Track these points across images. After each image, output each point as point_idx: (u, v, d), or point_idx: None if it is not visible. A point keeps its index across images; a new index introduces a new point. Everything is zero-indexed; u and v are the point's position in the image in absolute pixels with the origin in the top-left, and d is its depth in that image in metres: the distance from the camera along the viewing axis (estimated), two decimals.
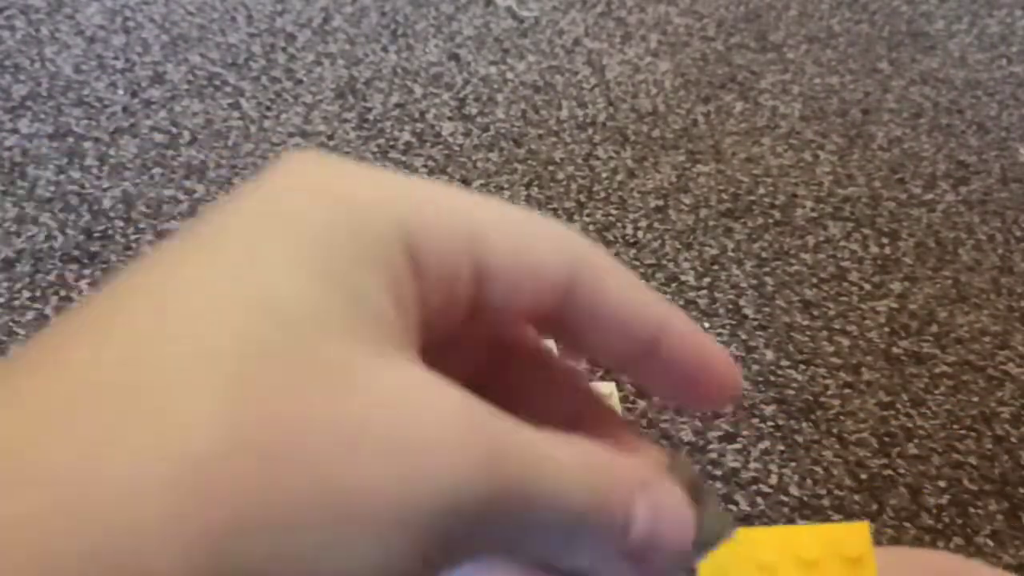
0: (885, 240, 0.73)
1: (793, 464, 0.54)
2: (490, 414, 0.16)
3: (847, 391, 0.59)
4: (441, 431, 0.15)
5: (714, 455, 0.54)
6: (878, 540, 0.50)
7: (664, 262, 0.68)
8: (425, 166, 0.76)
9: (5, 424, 0.14)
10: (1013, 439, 0.57)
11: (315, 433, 0.14)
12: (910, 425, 0.57)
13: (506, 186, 0.74)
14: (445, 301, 0.17)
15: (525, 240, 0.18)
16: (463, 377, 0.17)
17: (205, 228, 0.17)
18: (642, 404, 0.56)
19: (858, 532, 0.25)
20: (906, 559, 0.29)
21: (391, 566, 0.15)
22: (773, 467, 0.54)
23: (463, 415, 0.16)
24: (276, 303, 0.15)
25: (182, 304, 0.15)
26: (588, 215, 0.72)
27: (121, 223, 0.67)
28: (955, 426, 0.58)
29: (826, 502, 0.52)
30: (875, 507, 0.52)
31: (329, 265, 0.16)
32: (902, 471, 0.54)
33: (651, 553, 0.19)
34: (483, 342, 0.20)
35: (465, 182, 0.74)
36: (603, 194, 0.74)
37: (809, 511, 0.51)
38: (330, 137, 0.78)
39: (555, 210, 0.72)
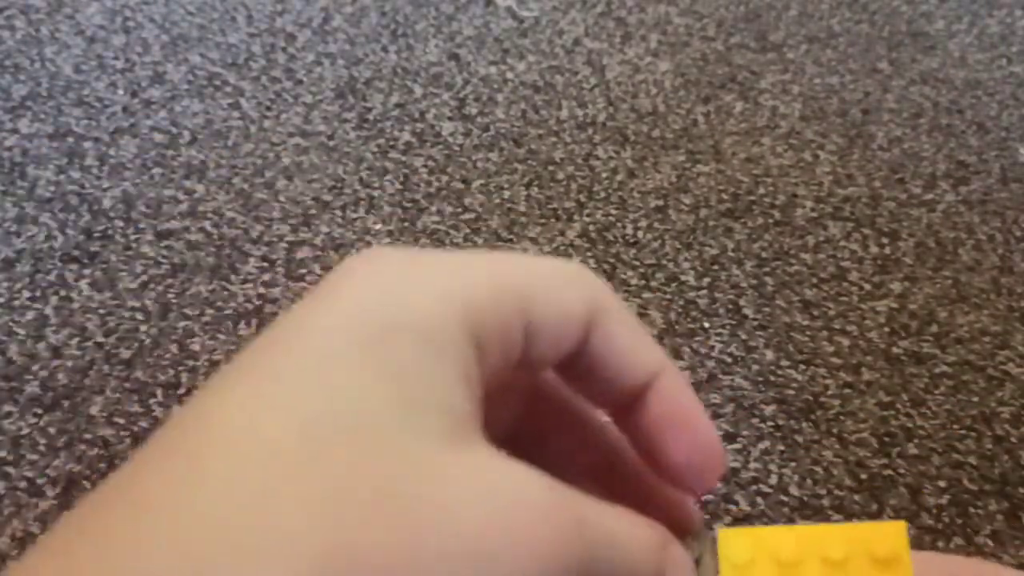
0: (885, 240, 0.73)
1: (793, 464, 0.54)
2: (569, 495, 0.17)
3: (847, 391, 0.59)
4: (531, 527, 0.16)
5: None
6: None
7: (664, 262, 0.68)
8: (425, 166, 0.76)
9: None
10: (1013, 439, 0.57)
11: (405, 564, 0.15)
12: (910, 425, 0.57)
13: (506, 186, 0.74)
14: (503, 367, 0.18)
15: (562, 292, 0.19)
16: (507, 427, 0.19)
17: (275, 346, 0.17)
18: None
19: (893, 532, 0.23)
20: (937, 565, 0.28)
21: None
22: (773, 467, 0.54)
23: (548, 502, 0.16)
24: (347, 419, 0.16)
25: (247, 438, 0.16)
26: (588, 215, 0.72)
27: (121, 223, 0.67)
28: (955, 426, 0.58)
29: (826, 502, 0.52)
30: (875, 507, 0.52)
31: (402, 368, 0.16)
32: (902, 471, 0.54)
33: None
34: (523, 391, 0.21)
35: (465, 182, 0.74)
36: (603, 194, 0.74)
37: (809, 511, 0.51)
38: (330, 137, 0.78)
39: (555, 210, 0.72)
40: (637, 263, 0.67)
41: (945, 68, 0.97)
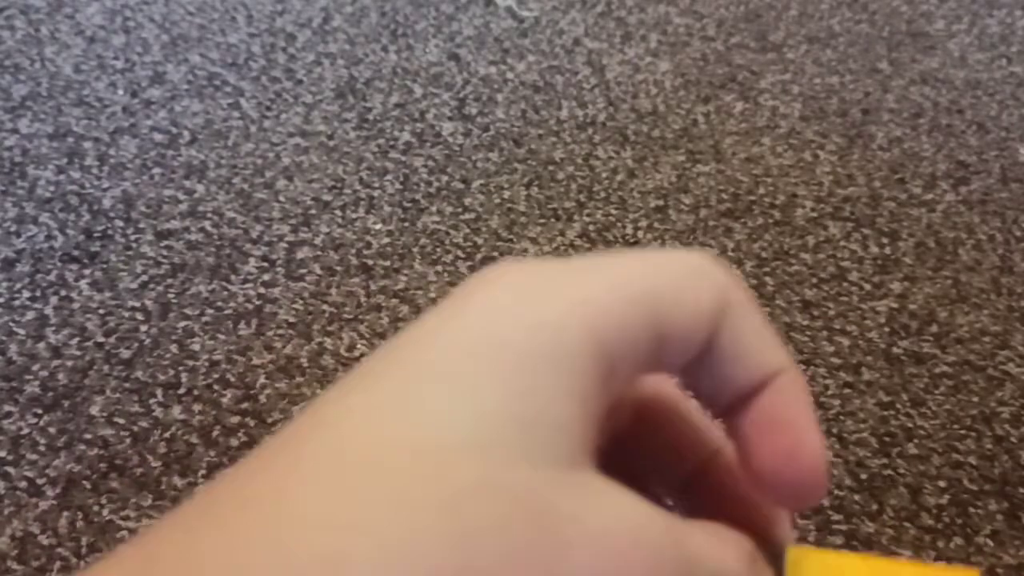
0: (885, 240, 0.73)
1: None
2: (679, 530, 0.17)
3: (847, 391, 0.59)
4: (647, 571, 0.16)
5: None
6: (877, 540, 0.51)
7: None
8: (425, 166, 0.76)
9: None
10: (1013, 439, 0.57)
11: None
12: (910, 425, 0.57)
13: (506, 186, 0.74)
14: (631, 378, 0.18)
15: (692, 294, 0.18)
16: (615, 434, 0.19)
17: (399, 357, 0.17)
18: None
19: None
20: None
21: None
22: None
23: (663, 544, 0.16)
24: (462, 436, 0.16)
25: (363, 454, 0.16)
26: (588, 215, 0.72)
27: (121, 223, 0.67)
28: (955, 426, 0.58)
29: (826, 502, 0.52)
30: (875, 507, 0.52)
31: (523, 388, 0.16)
32: (902, 471, 0.54)
33: None
34: (635, 398, 0.21)
35: (465, 182, 0.74)
36: (603, 194, 0.74)
37: (809, 511, 0.51)
38: (330, 137, 0.78)
39: (555, 210, 0.72)
40: None
41: (945, 68, 0.97)
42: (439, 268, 0.65)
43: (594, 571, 0.15)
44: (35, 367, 0.55)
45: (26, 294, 0.60)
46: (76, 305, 0.60)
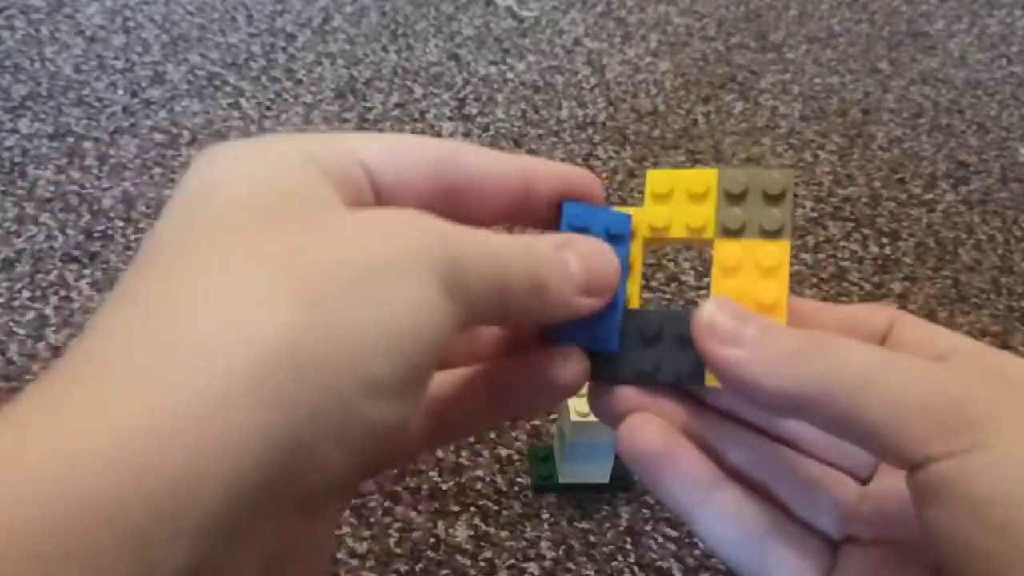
0: (885, 240, 0.73)
1: None
2: (437, 220, 0.22)
3: None
4: (400, 228, 0.21)
5: None
6: None
7: (664, 262, 0.68)
8: None
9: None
10: None
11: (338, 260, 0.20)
12: None
13: None
14: (355, 194, 0.23)
15: (399, 144, 0.25)
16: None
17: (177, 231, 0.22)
18: None
19: (781, 174, 0.29)
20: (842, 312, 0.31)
21: (431, 307, 0.20)
22: None
23: (414, 215, 0.22)
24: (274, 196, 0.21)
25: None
26: None
27: (121, 223, 0.67)
28: None
29: None
30: None
31: (283, 183, 0.22)
32: None
33: (596, 288, 0.26)
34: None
35: None
36: (603, 194, 0.74)
37: None
38: None
39: None
40: None
41: (945, 68, 0.97)
42: None
43: (362, 233, 0.20)
44: (35, 367, 0.55)
45: (26, 294, 0.60)
46: (76, 305, 0.60)
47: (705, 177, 0.28)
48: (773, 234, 0.28)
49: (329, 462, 0.19)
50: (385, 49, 0.92)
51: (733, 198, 0.28)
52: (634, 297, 0.29)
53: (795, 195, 0.76)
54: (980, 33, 1.04)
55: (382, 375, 0.19)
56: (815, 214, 0.74)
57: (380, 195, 0.24)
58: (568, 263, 0.25)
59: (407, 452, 0.28)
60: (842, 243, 0.72)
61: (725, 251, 0.28)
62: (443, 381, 0.28)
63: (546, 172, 0.26)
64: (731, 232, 0.28)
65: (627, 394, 0.28)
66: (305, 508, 0.19)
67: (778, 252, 0.28)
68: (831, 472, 0.28)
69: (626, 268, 0.28)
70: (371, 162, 0.23)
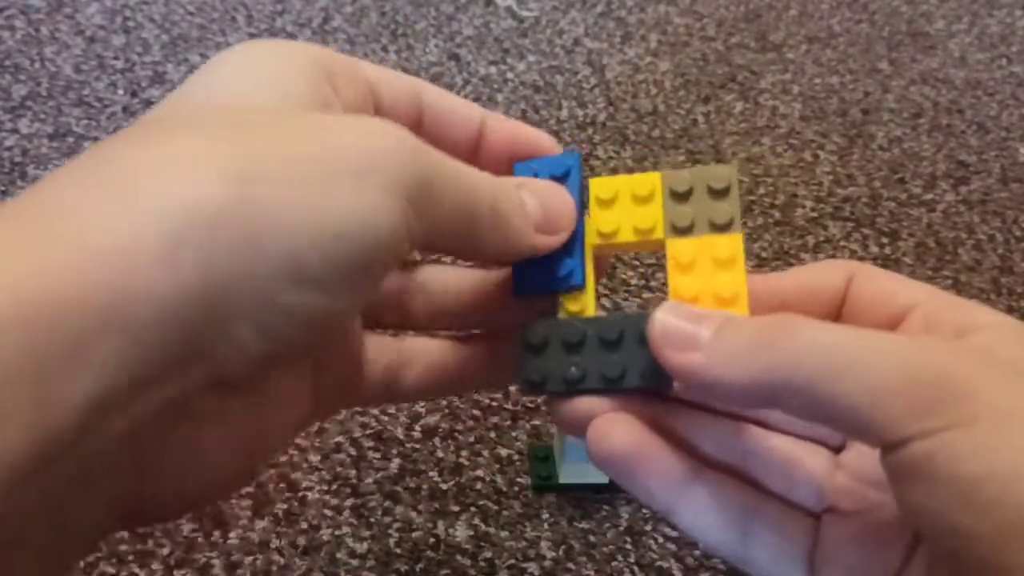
0: (885, 240, 0.73)
1: None
2: (413, 136, 0.23)
3: None
4: (378, 138, 0.22)
5: None
6: None
7: (664, 262, 0.68)
8: None
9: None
10: None
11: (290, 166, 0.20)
12: None
13: None
14: (356, 100, 0.26)
15: (390, 72, 0.27)
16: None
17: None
18: None
19: (726, 169, 0.29)
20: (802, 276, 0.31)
21: (386, 213, 0.21)
22: None
23: (392, 128, 0.22)
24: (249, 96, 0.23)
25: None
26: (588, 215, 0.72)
27: None
28: None
29: None
30: None
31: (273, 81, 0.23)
32: None
33: (553, 224, 0.27)
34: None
35: None
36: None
37: None
38: None
39: None
40: (637, 263, 0.67)
41: (945, 68, 0.97)
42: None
43: (342, 140, 0.21)
44: None
45: None
46: None
47: (649, 179, 0.28)
48: (723, 227, 0.28)
49: (241, 339, 0.19)
50: (385, 49, 0.92)
51: (679, 196, 0.28)
52: (589, 307, 0.29)
53: (796, 196, 0.76)
54: (980, 33, 1.04)
55: (310, 265, 0.19)
56: (815, 214, 0.74)
57: (379, 109, 0.26)
58: (525, 201, 0.26)
59: (366, 395, 0.30)
60: (842, 243, 0.72)
61: (678, 249, 0.28)
62: (443, 347, 0.30)
63: (499, 123, 0.28)
64: (681, 230, 0.28)
65: (589, 399, 0.28)
66: (215, 382, 0.20)
67: (731, 245, 0.27)
68: (804, 445, 0.28)
69: (580, 205, 0.29)
70: (372, 79, 0.26)
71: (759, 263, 0.69)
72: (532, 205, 0.26)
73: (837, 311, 0.28)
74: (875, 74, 0.95)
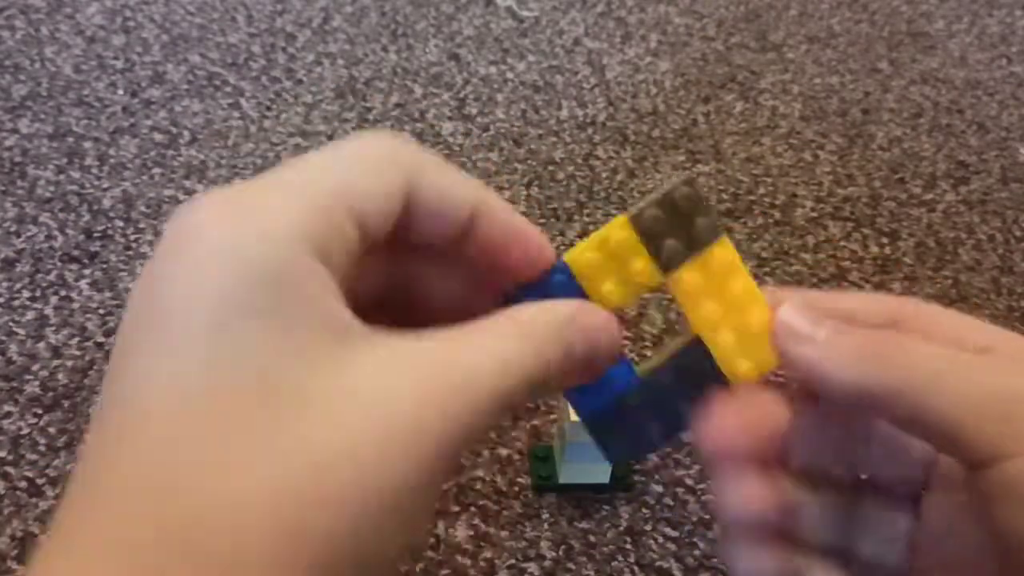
0: (885, 240, 0.73)
1: None
2: (438, 376, 0.20)
3: None
4: (404, 437, 0.19)
5: None
6: None
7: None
8: None
9: None
10: None
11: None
12: None
13: (506, 186, 0.74)
14: (350, 260, 0.22)
15: (380, 178, 0.23)
16: (380, 285, 0.24)
17: (154, 324, 0.20)
18: None
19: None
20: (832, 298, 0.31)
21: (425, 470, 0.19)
22: None
23: (418, 413, 0.20)
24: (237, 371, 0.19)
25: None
26: (588, 215, 0.72)
27: (121, 223, 0.67)
28: None
29: None
30: None
31: (272, 310, 0.19)
32: None
33: (604, 351, 0.25)
34: (383, 258, 0.25)
35: None
36: (603, 194, 0.74)
37: None
38: (330, 137, 0.78)
39: (555, 210, 0.72)
40: None
41: (945, 68, 0.97)
42: None
43: (356, 435, 0.18)
44: (35, 367, 0.55)
45: (26, 294, 0.60)
46: (76, 305, 0.60)
47: (617, 233, 0.28)
48: (707, 241, 0.28)
49: None
50: (385, 49, 0.92)
51: (653, 234, 0.28)
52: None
53: (796, 196, 0.76)
54: (980, 33, 1.04)
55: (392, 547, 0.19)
56: (815, 214, 0.74)
57: (366, 234, 0.22)
58: (574, 344, 0.24)
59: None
60: (842, 243, 0.72)
61: (679, 282, 0.28)
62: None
63: (492, 216, 0.25)
64: (670, 263, 0.28)
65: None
66: None
67: (723, 253, 0.27)
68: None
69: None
70: (359, 203, 0.22)
71: (759, 263, 0.69)
72: (580, 348, 0.24)
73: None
74: (875, 74, 0.95)
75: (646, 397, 0.28)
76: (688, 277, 0.28)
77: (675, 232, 0.28)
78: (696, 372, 0.28)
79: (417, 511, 0.19)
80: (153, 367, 0.19)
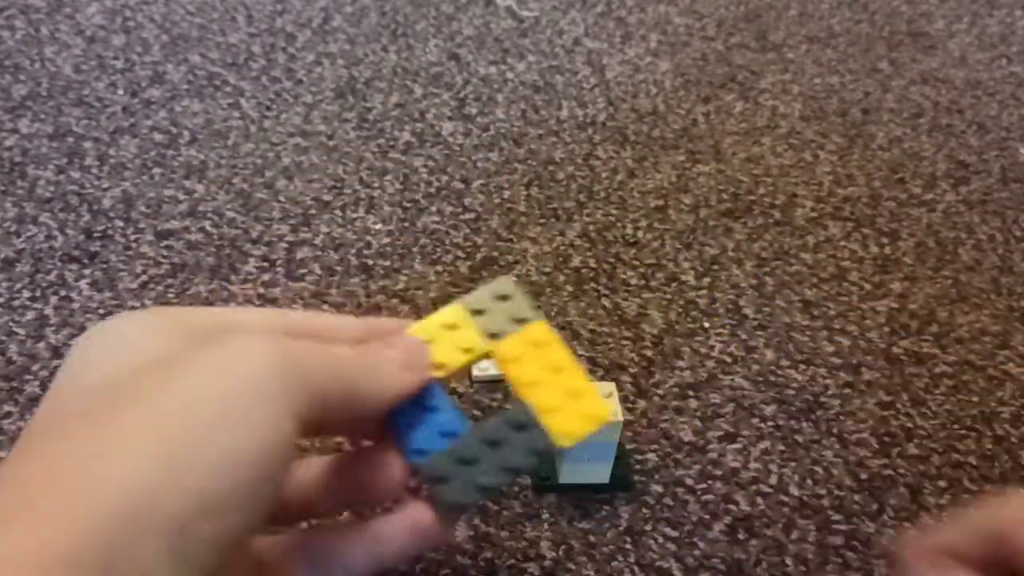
0: (885, 240, 0.73)
1: (793, 464, 0.54)
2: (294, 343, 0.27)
3: (847, 391, 0.59)
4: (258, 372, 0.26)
5: (714, 455, 0.54)
6: (878, 540, 0.51)
7: (664, 262, 0.68)
8: (425, 166, 0.76)
9: None
10: (1013, 439, 0.57)
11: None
12: (910, 425, 0.57)
13: (506, 186, 0.74)
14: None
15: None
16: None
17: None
18: (642, 404, 0.56)
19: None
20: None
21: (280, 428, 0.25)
22: (773, 467, 0.54)
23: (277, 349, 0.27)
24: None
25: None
26: (588, 215, 0.72)
27: (121, 223, 0.67)
28: (955, 426, 0.58)
29: (826, 502, 0.52)
30: (875, 507, 0.52)
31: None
32: (902, 471, 0.54)
33: (416, 362, 0.32)
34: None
35: (465, 182, 0.74)
36: (603, 194, 0.74)
37: (809, 511, 0.51)
38: (330, 137, 0.78)
39: (555, 210, 0.72)
40: (637, 263, 0.67)
41: (945, 68, 0.97)
42: (439, 268, 0.65)
43: (218, 378, 0.25)
44: (35, 367, 0.55)
45: (26, 294, 0.60)
46: (76, 305, 0.60)
47: (452, 311, 0.35)
48: (525, 320, 0.35)
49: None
50: (385, 49, 0.92)
51: (480, 312, 0.35)
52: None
53: (796, 196, 0.77)
54: (980, 33, 1.04)
55: (222, 500, 0.23)
56: (815, 214, 0.74)
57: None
58: (386, 350, 0.32)
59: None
60: (842, 243, 0.72)
61: (503, 349, 0.34)
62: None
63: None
64: (495, 335, 0.35)
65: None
66: None
67: (541, 330, 0.35)
68: None
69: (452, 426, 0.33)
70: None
71: (759, 263, 0.69)
72: (393, 353, 0.31)
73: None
74: (875, 74, 0.95)
75: (472, 444, 0.33)
76: (507, 345, 0.34)
77: (497, 312, 0.35)
78: (519, 425, 0.33)
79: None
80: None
